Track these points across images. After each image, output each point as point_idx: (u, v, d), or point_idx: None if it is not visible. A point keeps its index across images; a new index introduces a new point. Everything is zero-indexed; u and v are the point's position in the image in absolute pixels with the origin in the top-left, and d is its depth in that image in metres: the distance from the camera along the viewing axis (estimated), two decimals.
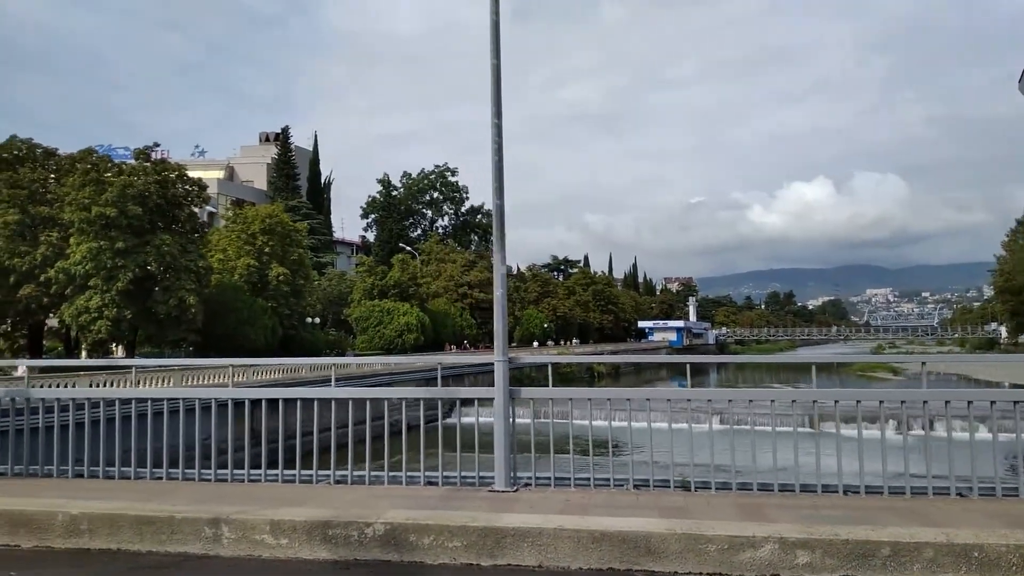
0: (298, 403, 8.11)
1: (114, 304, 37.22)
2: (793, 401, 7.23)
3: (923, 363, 7.61)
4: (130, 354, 40.25)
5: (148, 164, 40.69)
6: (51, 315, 47.85)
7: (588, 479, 7.53)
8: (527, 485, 7.58)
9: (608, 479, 7.35)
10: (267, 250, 47.12)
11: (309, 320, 52.06)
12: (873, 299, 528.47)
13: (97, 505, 5.65)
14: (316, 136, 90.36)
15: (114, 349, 51.59)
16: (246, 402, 8.35)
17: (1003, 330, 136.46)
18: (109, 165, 40.98)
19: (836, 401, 7.30)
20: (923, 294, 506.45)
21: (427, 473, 8.08)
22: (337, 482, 7.98)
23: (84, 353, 52.71)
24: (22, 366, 12.61)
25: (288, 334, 48.20)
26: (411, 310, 62.32)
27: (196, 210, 42.18)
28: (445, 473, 7.86)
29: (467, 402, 8.59)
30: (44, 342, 50.31)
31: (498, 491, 7.38)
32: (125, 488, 7.14)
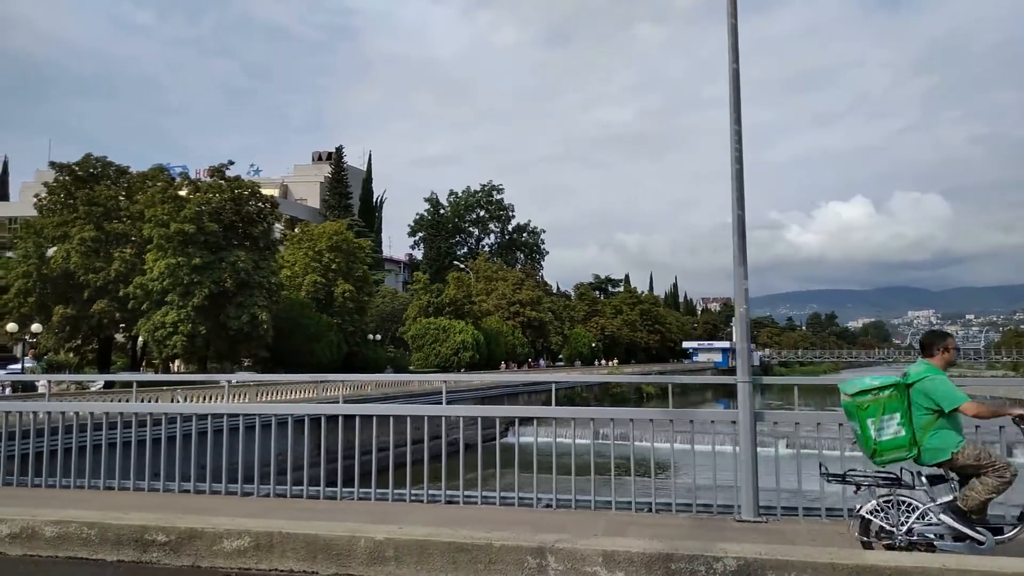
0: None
1: (189, 319, 37.57)
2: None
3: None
4: (202, 370, 40.53)
5: (223, 182, 41.20)
6: (120, 330, 48.63)
7: (840, 508, 7.11)
8: (767, 514, 7.17)
9: (842, 510, 6.94)
10: (333, 267, 47.37)
11: (371, 337, 52.11)
12: (915, 321, 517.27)
13: (402, 531, 5.35)
14: (370, 155, 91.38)
15: (175, 366, 52.19)
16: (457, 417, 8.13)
17: None
18: (186, 182, 41.58)
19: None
20: (967, 316, 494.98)
21: (658, 500, 7.74)
22: (560, 506, 7.67)
23: (148, 368, 53.46)
24: (90, 379, 12.52)
25: (352, 351, 48.27)
26: (466, 328, 62.15)
27: (268, 227, 42.55)
28: (679, 500, 7.51)
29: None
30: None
31: (748, 521, 6.99)
32: (350, 508, 6.93)
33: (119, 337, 52.00)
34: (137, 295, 38.10)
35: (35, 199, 47.25)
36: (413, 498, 7.77)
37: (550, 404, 8.34)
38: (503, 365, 66.57)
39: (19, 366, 41.56)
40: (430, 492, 7.78)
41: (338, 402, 9.05)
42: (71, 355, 48.33)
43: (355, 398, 33.56)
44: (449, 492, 7.89)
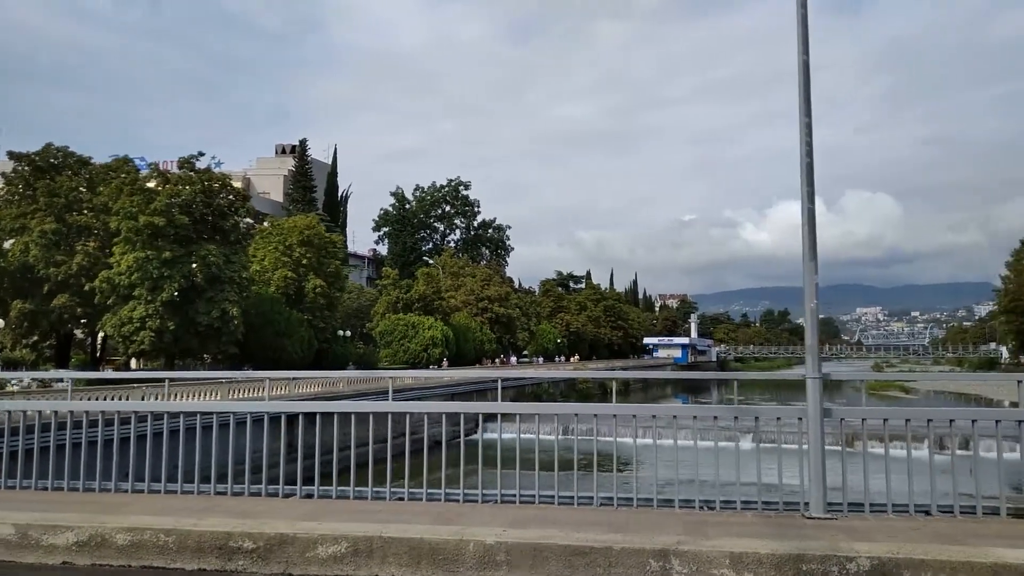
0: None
1: (158, 315, 36.45)
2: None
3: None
4: (169, 366, 39.36)
5: (193, 174, 40.06)
6: (80, 326, 47.00)
7: (907, 506, 7.09)
8: (835, 510, 7.11)
9: (908, 505, 6.96)
10: (304, 262, 46.46)
11: (340, 333, 51.33)
12: (863, 318, 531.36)
13: (516, 533, 5.12)
14: (335, 149, 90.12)
15: (137, 364, 50.70)
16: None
17: (1004, 350, 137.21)
18: (155, 174, 40.32)
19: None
20: (913, 313, 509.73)
21: (722, 499, 7.61)
22: (620, 504, 7.50)
23: (107, 366, 51.82)
24: (59, 378, 12.00)
25: (322, 347, 47.46)
26: (436, 324, 61.69)
27: (239, 220, 41.52)
28: (744, 498, 7.40)
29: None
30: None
31: (818, 517, 6.91)
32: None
33: (78, 333, 50.29)
34: (103, 289, 36.83)
35: None
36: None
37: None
38: (485, 361, 66.54)
39: None
40: (467, 491, 7.45)
41: (340, 399, 8.71)
42: (27, 351, 46.59)
43: (326, 395, 33.04)
44: (503, 492, 7.61)
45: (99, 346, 50.22)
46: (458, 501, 7.66)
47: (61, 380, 30.08)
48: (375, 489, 7.85)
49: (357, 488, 7.88)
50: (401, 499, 7.80)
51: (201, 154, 41.12)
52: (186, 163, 41.37)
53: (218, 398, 26.78)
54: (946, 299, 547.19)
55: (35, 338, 45.36)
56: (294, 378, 27.52)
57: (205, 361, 45.12)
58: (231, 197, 41.16)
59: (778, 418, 7.55)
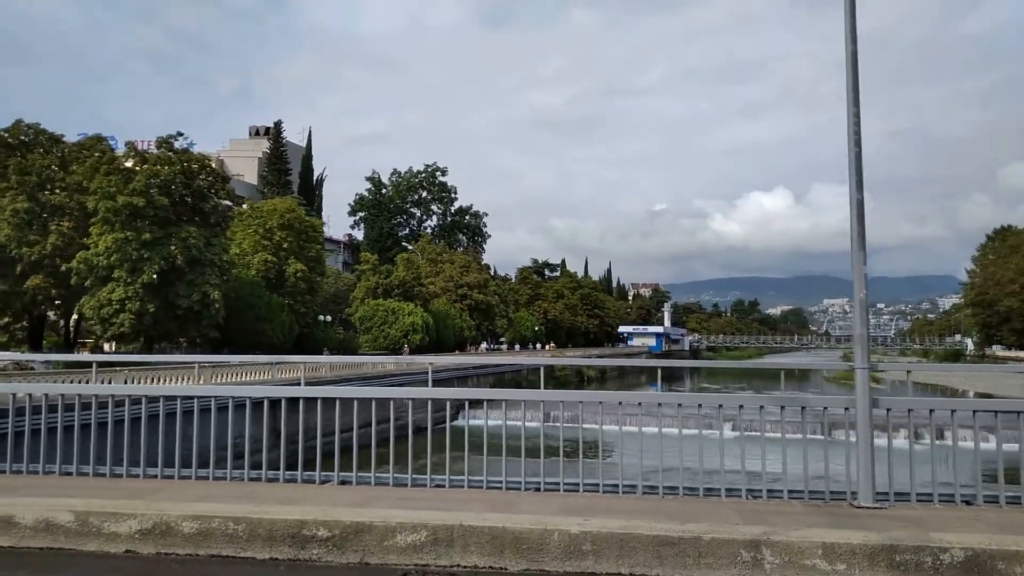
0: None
1: (137, 297, 35.71)
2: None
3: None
4: (148, 349, 38.64)
5: (172, 154, 39.19)
6: (55, 307, 45.94)
7: (952, 495, 7.14)
8: (883, 500, 7.15)
9: (952, 495, 7.01)
10: (285, 246, 45.82)
11: (321, 318, 50.80)
12: (830, 309, 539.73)
13: (598, 523, 5.04)
14: (310, 131, 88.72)
15: (108, 346, 49.75)
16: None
17: (969, 342, 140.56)
18: (132, 153, 39.39)
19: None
20: (878, 305, 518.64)
21: (790, 488, 7.58)
22: (666, 494, 7.45)
23: (81, 349, 50.76)
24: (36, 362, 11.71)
25: (303, 332, 46.94)
26: (416, 310, 61.36)
27: (219, 202, 40.76)
28: (791, 488, 7.40)
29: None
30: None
31: (868, 507, 6.93)
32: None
33: (51, 315, 49.16)
34: (80, 271, 35.97)
35: None
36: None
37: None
38: (469, 348, 66.56)
39: None
40: (531, 479, 7.34)
41: (325, 384, 8.48)
42: None
43: (314, 380, 32.67)
44: (560, 480, 7.49)
45: (72, 328, 49.18)
46: (501, 488, 7.55)
47: (35, 363, 29.37)
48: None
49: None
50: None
51: (180, 134, 40.33)
52: (164, 143, 40.49)
53: (201, 382, 26.33)
54: (911, 291, 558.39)
55: (7, 319, 44.30)
56: (279, 362, 27.15)
57: (181, 345, 44.38)
58: (211, 179, 40.38)
59: (825, 408, 7.55)
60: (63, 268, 36.72)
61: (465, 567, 4.94)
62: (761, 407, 7.62)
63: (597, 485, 7.29)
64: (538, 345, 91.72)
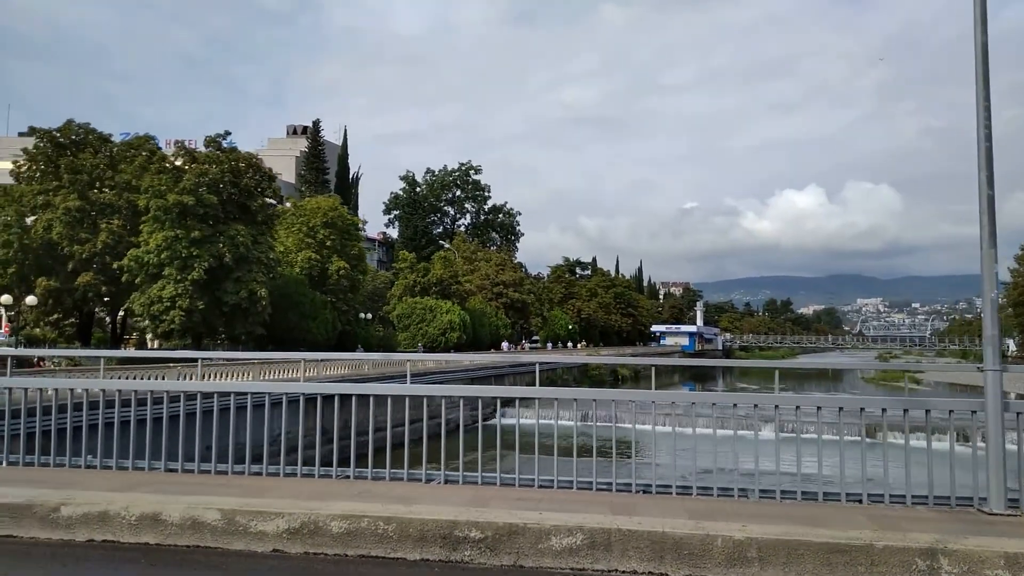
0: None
1: (187, 294, 36.15)
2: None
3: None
4: (196, 346, 39.10)
5: (219, 153, 39.65)
6: (103, 304, 46.70)
7: None
8: (1015, 506, 6.88)
9: None
10: (328, 244, 46.12)
11: (361, 316, 51.08)
12: (863, 309, 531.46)
13: (761, 529, 4.88)
14: (345, 130, 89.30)
15: (152, 343, 50.47)
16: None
17: (1011, 343, 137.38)
18: (181, 152, 39.93)
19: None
20: (913, 305, 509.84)
21: (893, 492, 7.36)
22: (784, 497, 7.24)
23: (127, 345, 51.62)
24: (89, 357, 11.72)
25: (344, 329, 47.23)
26: (453, 308, 61.44)
27: (266, 201, 41.15)
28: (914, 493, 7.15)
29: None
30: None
31: (1000, 513, 6.67)
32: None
33: (98, 312, 49.99)
34: (132, 268, 36.51)
35: (13, 166, 44.92)
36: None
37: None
38: (504, 346, 66.76)
39: None
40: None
41: (368, 381, 8.29)
42: (48, 329, 46.34)
43: (350, 377, 32.72)
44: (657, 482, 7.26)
45: (119, 325, 49.99)
46: (590, 489, 7.33)
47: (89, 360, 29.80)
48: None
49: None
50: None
51: (228, 133, 40.78)
52: (212, 142, 40.96)
53: (250, 378, 26.54)
54: (946, 291, 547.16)
55: (57, 315, 45.12)
56: (385, 360, 27.35)
57: (222, 343, 44.84)
58: (258, 177, 40.76)
59: (951, 411, 7.30)
60: (114, 266, 37.30)
61: (623, 572, 4.81)
62: (884, 410, 7.39)
63: (710, 489, 7.12)
64: (569, 344, 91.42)
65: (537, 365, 8.61)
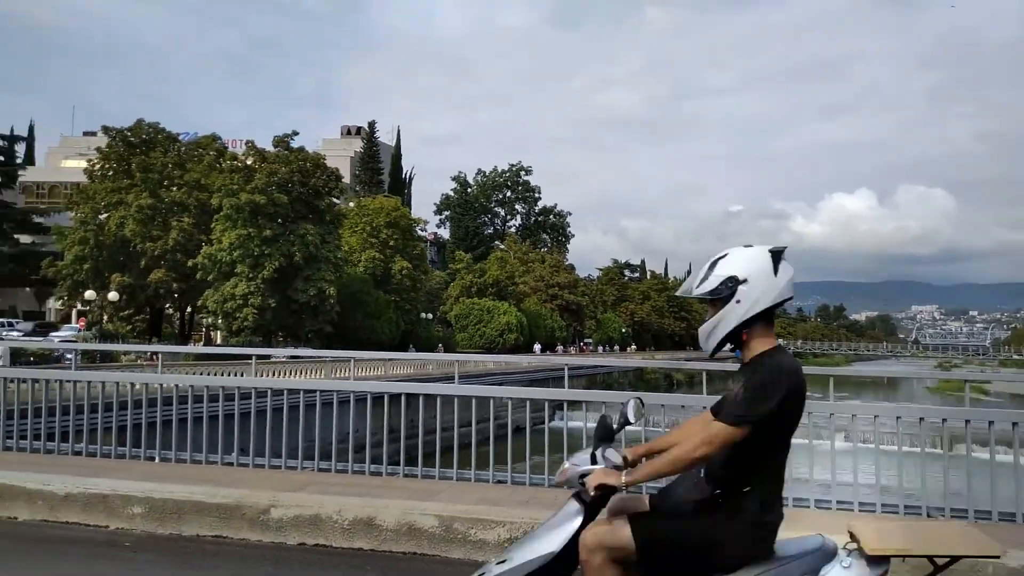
0: None
1: (259, 292, 36.57)
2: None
3: None
4: (267, 344, 39.54)
5: (288, 152, 40.07)
6: (173, 300, 47.60)
7: None
8: None
9: None
10: (391, 243, 46.32)
11: (423, 315, 51.20)
12: (919, 316, 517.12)
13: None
14: (399, 131, 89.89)
15: (216, 339, 51.16)
16: None
17: None
18: (252, 152, 40.47)
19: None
20: (971, 312, 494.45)
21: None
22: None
23: (195, 342, 52.49)
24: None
25: (407, 329, 47.35)
26: (510, 309, 61.28)
27: (333, 201, 41.50)
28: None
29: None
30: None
31: None
32: None
33: (168, 308, 51.00)
34: (205, 266, 37.07)
35: (87, 164, 46.11)
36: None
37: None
38: (569, 349, 66.73)
39: (65, 333, 40.45)
40: None
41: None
42: (121, 324, 47.37)
43: (414, 377, 32.56)
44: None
45: (187, 322, 50.97)
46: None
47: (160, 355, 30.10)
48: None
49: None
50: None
51: (296, 133, 41.17)
52: (281, 142, 41.42)
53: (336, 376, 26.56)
54: (1004, 298, 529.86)
55: (130, 311, 46.14)
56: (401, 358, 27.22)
57: (285, 340, 45.30)
58: (325, 177, 41.09)
59: None
60: (188, 263, 37.91)
61: None
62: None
63: (874, 505, 6.60)
64: (617, 347, 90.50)
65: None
